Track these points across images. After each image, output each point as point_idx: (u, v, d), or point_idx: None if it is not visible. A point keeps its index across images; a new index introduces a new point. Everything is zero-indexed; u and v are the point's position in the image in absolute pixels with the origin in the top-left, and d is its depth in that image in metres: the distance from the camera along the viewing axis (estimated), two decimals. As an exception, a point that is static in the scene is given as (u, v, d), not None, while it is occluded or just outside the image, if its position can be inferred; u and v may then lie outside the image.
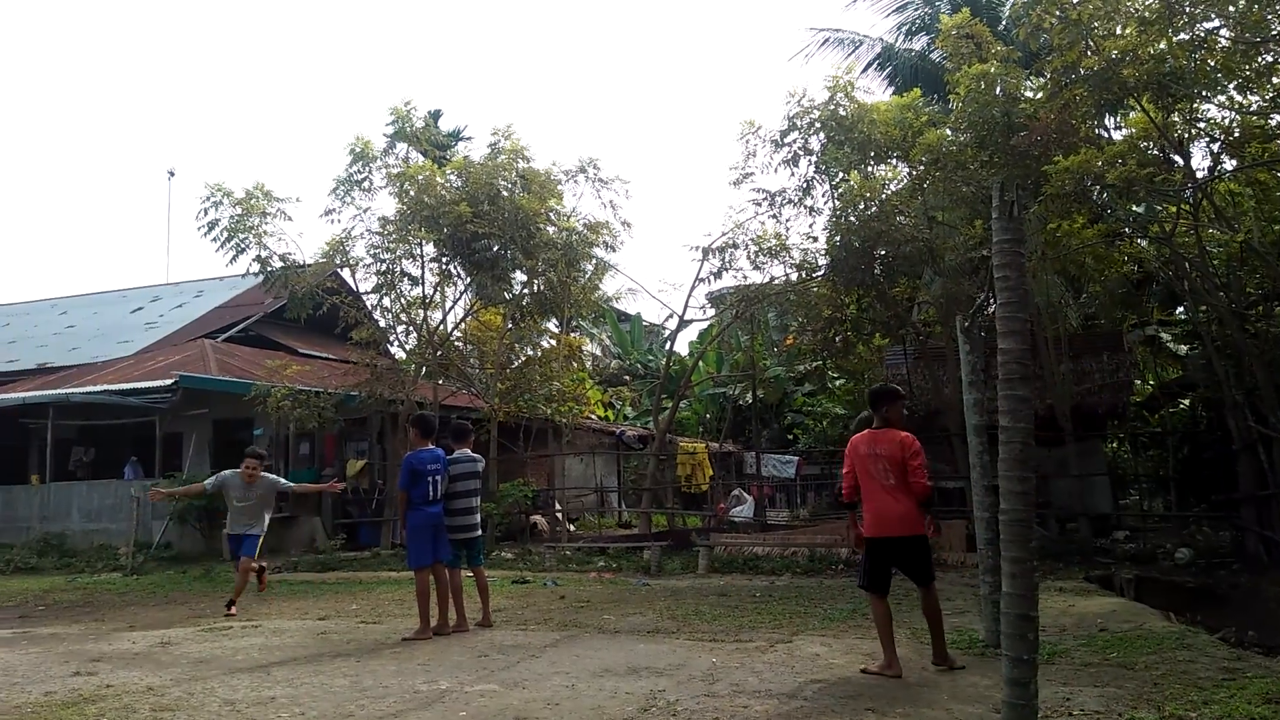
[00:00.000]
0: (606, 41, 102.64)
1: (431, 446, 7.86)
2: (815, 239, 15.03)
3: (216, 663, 6.65)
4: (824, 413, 24.24)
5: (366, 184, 16.39)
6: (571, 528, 18.02)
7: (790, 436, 26.53)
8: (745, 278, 16.20)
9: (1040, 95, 11.52)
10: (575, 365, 20.90)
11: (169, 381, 15.66)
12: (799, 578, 11.25)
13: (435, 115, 28.63)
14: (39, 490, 17.23)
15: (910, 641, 6.73)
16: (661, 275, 58.60)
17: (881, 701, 5.09)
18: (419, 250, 16.51)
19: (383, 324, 17.63)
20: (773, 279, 15.97)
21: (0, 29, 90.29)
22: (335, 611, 9.18)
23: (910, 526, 5.81)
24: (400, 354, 18.21)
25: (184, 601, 10.54)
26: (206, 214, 15.55)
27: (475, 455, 8.21)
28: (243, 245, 15.67)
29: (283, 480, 10.19)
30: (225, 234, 15.59)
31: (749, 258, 15.67)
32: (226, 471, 9.76)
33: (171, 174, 49.49)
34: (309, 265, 16.12)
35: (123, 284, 32.27)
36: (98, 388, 16.76)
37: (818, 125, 13.81)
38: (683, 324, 18.40)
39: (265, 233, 15.80)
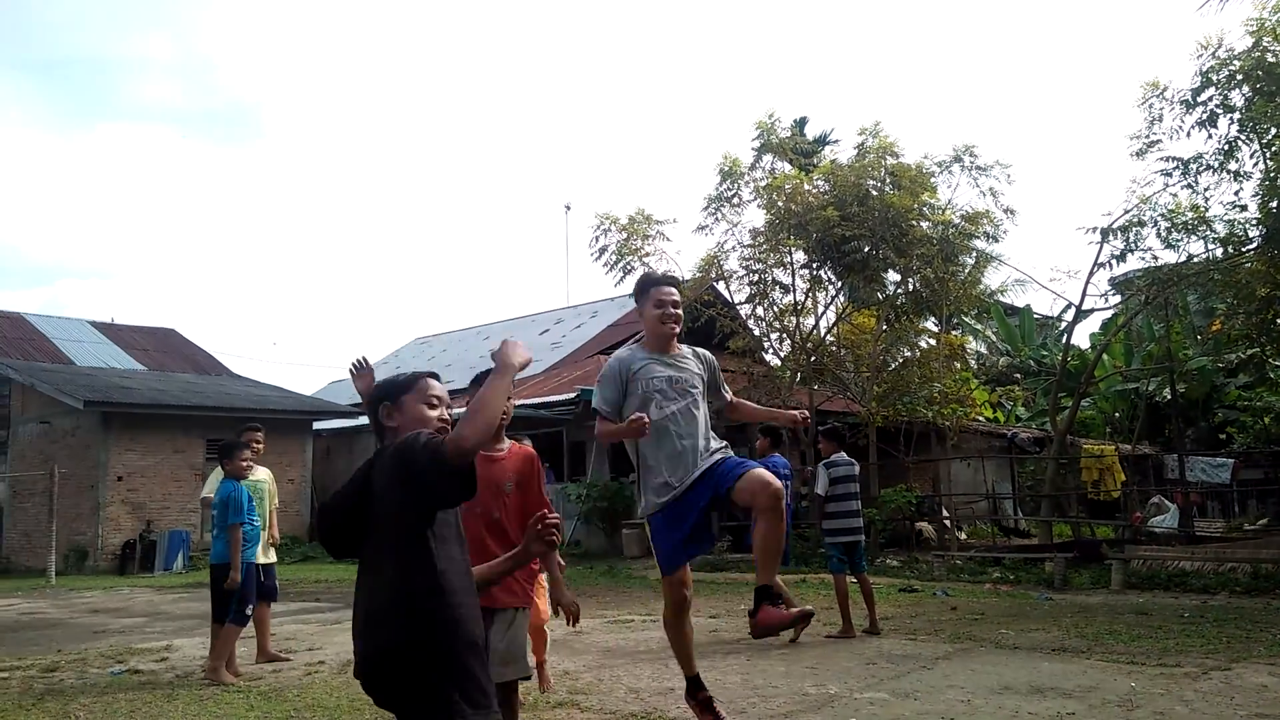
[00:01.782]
0: (979, 19, 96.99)
1: (775, 455, 8.33)
2: (1244, 208, 13.03)
3: (621, 652, 7.19)
4: (1265, 408, 20.80)
5: (735, 199, 16.99)
6: (961, 536, 17.14)
7: (1222, 436, 23.07)
8: (1155, 258, 14.40)
9: None
10: (958, 365, 19.89)
11: (572, 395, 17.30)
12: (1238, 597, 9.74)
13: (801, 123, 28.81)
14: (474, 493, 19.87)
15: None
16: (1053, 262, 53.86)
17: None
18: (789, 258, 16.75)
19: (757, 332, 18.10)
20: (1191, 257, 14.06)
21: (436, 96, 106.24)
22: (725, 611, 9.52)
23: None
24: (775, 361, 18.55)
25: (592, 594, 11.53)
26: (597, 241, 17.06)
27: (850, 459, 8.13)
28: (628, 267, 16.95)
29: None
30: (613, 258, 16.97)
31: (1159, 235, 13.89)
32: (620, 354, 4.56)
33: (568, 208, 55.21)
34: (687, 281, 17.00)
35: (532, 309, 36.21)
36: (515, 402, 18.94)
37: (1240, 77, 11.97)
38: (1081, 314, 16.77)
39: (648, 254, 16.96)
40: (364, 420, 22.38)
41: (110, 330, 26.43)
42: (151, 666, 7.01)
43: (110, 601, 12.49)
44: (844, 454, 8.08)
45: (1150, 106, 12.94)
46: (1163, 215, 13.70)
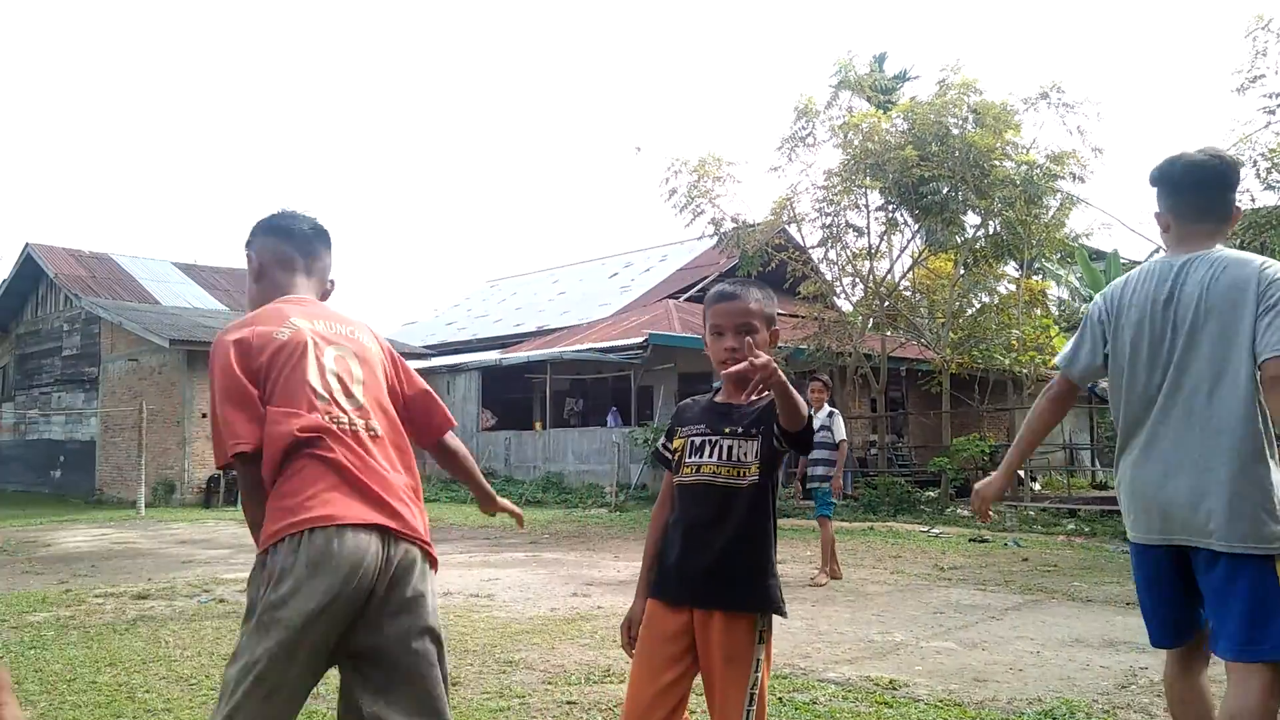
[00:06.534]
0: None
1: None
2: (1353, 146, 12.29)
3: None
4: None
5: (810, 139, 16.57)
6: (1036, 486, 16.81)
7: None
8: (1254, 200, 13.69)
9: None
10: (1038, 311, 19.32)
11: (640, 339, 17.29)
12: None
13: (880, 59, 27.77)
14: (541, 435, 20.11)
15: None
16: (1142, 205, 51.66)
17: None
18: (863, 200, 16.36)
19: (829, 277, 17.78)
20: (1290, 200, 13.34)
21: (511, 40, 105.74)
22: (790, 557, 9.51)
23: None
24: (847, 306, 18.24)
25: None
26: (668, 182, 16.85)
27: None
28: (698, 209, 16.74)
29: None
30: (684, 200, 16.76)
31: (1258, 176, 13.16)
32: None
33: (639, 150, 54.30)
34: (758, 224, 16.74)
35: (601, 253, 36.16)
36: (584, 346, 19.05)
37: (1355, 2, 11.19)
38: (1168, 260, 16.07)
39: (718, 195, 16.71)
40: (437, 361, 22.76)
41: (193, 271, 27.20)
42: (236, 596, 7.28)
43: (197, 533, 13.03)
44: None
45: (1255, 40, 12.26)
46: (1263, 155, 12.97)
